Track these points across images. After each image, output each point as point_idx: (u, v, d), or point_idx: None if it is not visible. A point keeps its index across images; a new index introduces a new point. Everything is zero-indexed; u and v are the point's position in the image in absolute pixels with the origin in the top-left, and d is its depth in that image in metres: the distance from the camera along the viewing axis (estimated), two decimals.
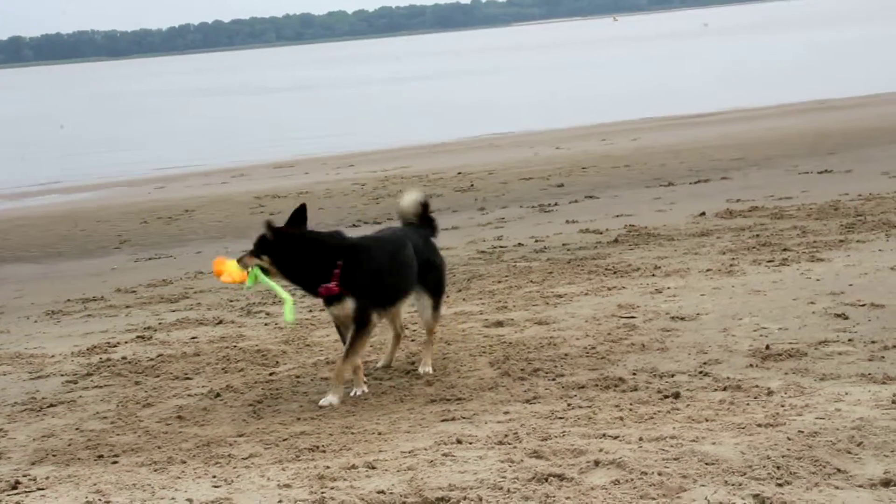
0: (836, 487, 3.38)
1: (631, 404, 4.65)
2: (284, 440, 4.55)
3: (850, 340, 5.36)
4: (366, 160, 18.83)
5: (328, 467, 3.99)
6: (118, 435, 4.88)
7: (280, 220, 5.39)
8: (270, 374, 5.69)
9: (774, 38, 58.50)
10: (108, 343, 6.74)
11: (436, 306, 5.58)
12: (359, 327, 5.20)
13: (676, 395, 4.71)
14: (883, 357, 5.06)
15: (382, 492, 3.65)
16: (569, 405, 4.72)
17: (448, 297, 7.26)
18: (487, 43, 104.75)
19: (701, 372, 5.09)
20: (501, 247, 9.24)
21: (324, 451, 4.31)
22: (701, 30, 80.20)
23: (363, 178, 15.52)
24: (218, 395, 5.37)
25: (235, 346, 6.33)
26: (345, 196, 13.88)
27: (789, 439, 3.82)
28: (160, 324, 7.23)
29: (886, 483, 3.38)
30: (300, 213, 5.28)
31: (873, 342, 5.31)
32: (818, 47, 45.06)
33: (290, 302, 5.17)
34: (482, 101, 33.16)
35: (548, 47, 79.09)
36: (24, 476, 4.31)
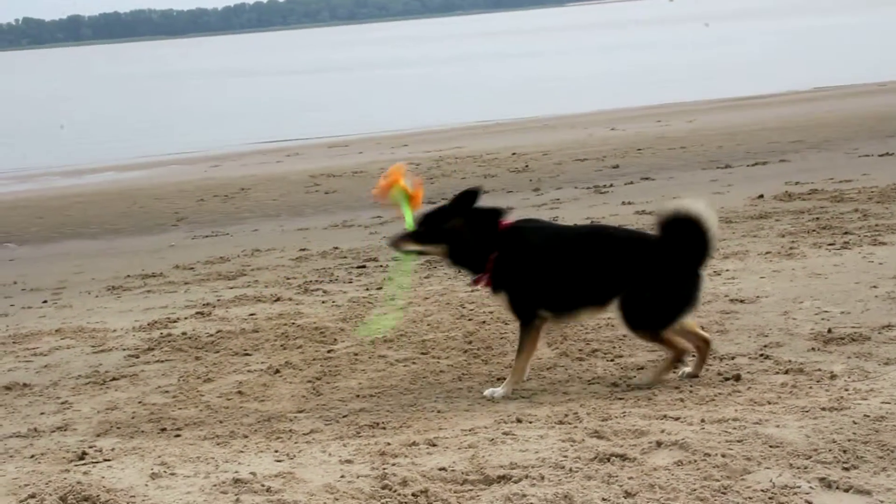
0: None
1: (691, 386, 4.62)
2: (344, 416, 4.58)
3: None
4: (420, 140, 18.84)
5: (389, 444, 4.01)
6: (180, 409, 4.94)
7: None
8: (329, 352, 5.72)
9: (831, 19, 57.63)
10: (169, 318, 6.82)
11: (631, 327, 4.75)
12: (520, 325, 4.79)
13: (737, 378, 4.68)
14: None
15: (444, 469, 3.66)
16: (628, 386, 4.70)
17: None
18: (541, 23, 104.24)
19: (762, 355, 5.04)
20: None
21: (384, 428, 4.33)
22: (757, 11, 79.12)
23: (417, 158, 15.52)
24: (277, 371, 5.41)
25: (294, 324, 6.38)
26: None
27: (855, 423, 3.77)
28: (219, 300, 7.29)
29: None
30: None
31: None
32: (875, 28, 44.33)
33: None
34: (537, 82, 33.03)
35: (602, 27, 78.56)
36: (91, 447, 4.37)
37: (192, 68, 67.57)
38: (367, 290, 7.25)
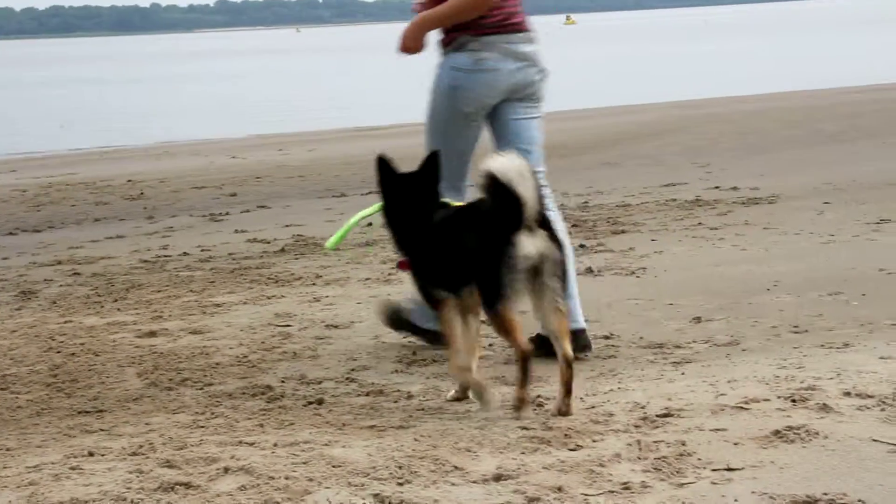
0: (452, 484, 3.55)
1: (275, 412, 4.68)
2: None
3: (489, 345, 5.63)
4: (28, 165, 17.96)
5: None
6: None
7: None
8: None
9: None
10: None
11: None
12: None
13: (320, 402, 4.79)
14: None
15: None
16: (212, 414, 4.70)
17: (102, 307, 7.07)
18: (164, 48, 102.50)
19: (348, 378, 5.20)
20: (166, 256, 9.06)
21: None
22: (378, 46, 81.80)
23: (25, 185, 14.79)
24: None
25: None
26: (3, 203, 13.17)
27: (416, 440, 3.97)
28: None
29: (497, 477, 3.58)
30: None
31: (504, 348, 5.59)
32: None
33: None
34: (158, 108, 32.42)
35: (228, 55, 78.40)
36: None
37: None
38: None
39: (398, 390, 4.92)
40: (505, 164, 4.07)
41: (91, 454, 4.07)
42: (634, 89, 28.70)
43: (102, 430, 4.53)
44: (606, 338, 5.69)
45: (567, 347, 4.21)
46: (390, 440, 3.99)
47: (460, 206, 4.63)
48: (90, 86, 46.44)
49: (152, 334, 6.25)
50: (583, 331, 5.25)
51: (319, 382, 5.16)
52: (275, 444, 4.02)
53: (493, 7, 5.17)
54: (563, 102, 25.84)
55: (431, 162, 4.65)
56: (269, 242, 9.50)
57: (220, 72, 53.40)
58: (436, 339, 5.23)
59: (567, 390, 4.19)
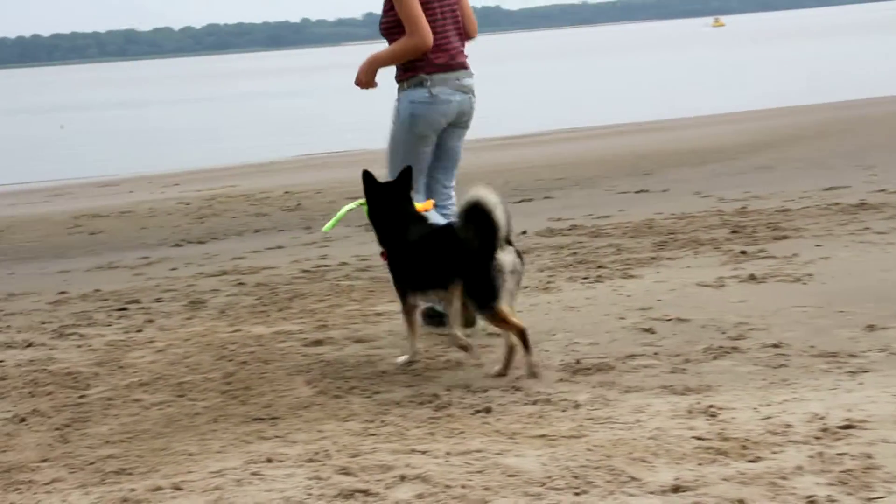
0: (630, 495, 3.51)
1: (445, 421, 4.71)
2: (91, 464, 4.44)
3: (655, 354, 5.57)
4: (192, 179, 18.56)
5: (133, 490, 3.92)
6: None
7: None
8: (80, 397, 5.55)
9: (592, 61, 60.23)
10: None
11: None
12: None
13: (488, 410, 4.80)
14: (684, 369, 5.27)
15: None
16: (382, 422, 4.76)
17: (268, 316, 7.25)
18: (314, 62, 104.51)
19: (513, 387, 5.20)
20: (325, 266, 9.24)
21: (130, 474, 4.23)
22: (521, 54, 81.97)
23: (189, 198, 15.28)
24: (23, 419, 5.20)
25: (44, 369, 6.15)
26: (169, 216, 13.64)
27: (589, 450, 3.95)
28: None
29: (676, 489, 3.53)
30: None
31: (676, 355, 5.52)
32: (628, 72, 46.62)
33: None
34: (316, 120, 33.08)
35: None
36: None
37: None
38: (127, 332, 7.08)
39: (565, 399, 4.90)
40: (484, 194, 5.13)
41: (269, 460, 4.17)
42: (782, 91, 28.02)
43: (277, 436, 4.64)
44: (775, 346, 5.56)
45: (514, 338, 5.31)
46: (563, 450, 3.97)
47: (444, 226, 5.76)
48: (247, 100, 47.72)
49: (318, 343, 6.37)
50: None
51: (485, 391, 5.17)
52: (447, 453, 4.05)
53: (438, 50, 6.24)
54: (710, 106, 25.44)
55: (406, 175, 5.80)
56: None
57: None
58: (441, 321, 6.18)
59: (526, 348, 5.28)
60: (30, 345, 6.88)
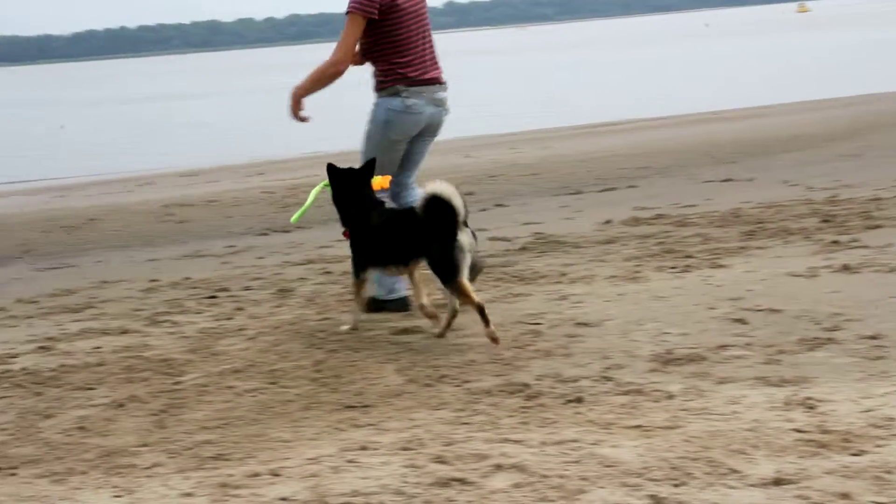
0: (730, 487, 3.47)
1: (537, 410, 4.70)
2: (188, 449, 4.52)
3: (747, 344, 5.50)
4: (275, 168, 18.74)
5: (231, 475, 3.98)
6: (17, 447, 4.79)
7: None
8: (175, 384, 5.63)
9: (675, 48, 59.58)
10: (8, 354, 6.61)
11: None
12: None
13: (579, 400, 4.78)
14: (779, 360, 5.20)
15: (285, 499, 3.65)
16: (474, 411, 4.76)
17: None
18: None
19: (604, 377, 5.17)
20: None
21: (227, 460, 4.29)
22: (605, 40, 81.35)
23: (272, 187, 15.44)
24: (121, 405, 5.31)
25: (140, 356, 6.26)
26: (253, 205, 13.79)
27: (686, 441, 3.91)
28: (63, 334, 7.11)
29: (777, 482, 3.48)
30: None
31: (770, 346, 5.44)
32: (713, 58, 46.01)
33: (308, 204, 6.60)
34: None
35: (458, 56, 79.45)
36: None
37: (32, 96, 65.78)
38: (217, 320, 7.17)
39: (657, 390, 4.85)
40: (445, 187, 5.85)
41: (364, 448, 4.20)
42: (864, 78, 27.42)
43: (370, 424, 4.67)
44: (872, 338, 5.45)
45: (457, 303, 6.07)
46: (659, 440, 3.94)
47: (408, 209, 6.41)
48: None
49: (406, 331, 6.40)
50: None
51: (575, 381, 5.15)
52: (542, 442, 4.04)
53: (410, 66, 6.83)
54: (792, 94, 25.00)
55: (369, 165, 6.49)
56: (509, 241, 9.57)
57: (447, 74, 54.23)
58: (403, 305, 6.91)
59: (484, 321, 5.88)
60: (124, 331, 7.02)
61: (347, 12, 6.80)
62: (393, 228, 6.29)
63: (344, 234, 6.52)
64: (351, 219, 6.48)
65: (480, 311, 5.87)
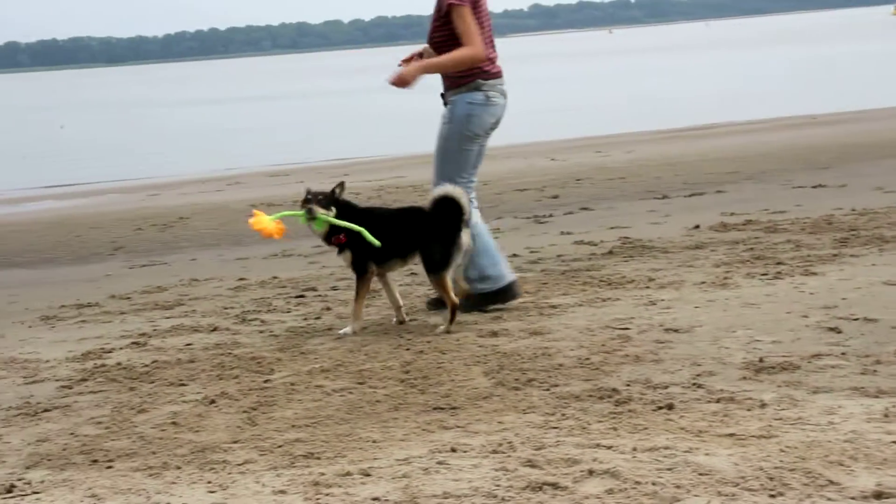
0: (829, 499, 3.40)
1: (626, 416, 4.66)
2: (279, 447, 4.56)
3: (843, 354, 5.39)
4: (360, 169, 18.88)
5: (323, 474, 4.01)
6: (113, 440, 4.89)
7: None
8: (265, 382, 5.70)
9: (769, 51, 58.71)
10: (103, 349, 6.75)
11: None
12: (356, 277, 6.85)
13: (670, 407, 4.73)
14: (875, 371, 5.09)
15: (377, 499, 3.67)
16: (563, 415, 4.74)
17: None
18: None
19: (695, 384, 5.11)
20: None
21: (318, 458, 4.32)
22: (693, 44, 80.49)
23: (358, 187, 15.54)
24: (213, 401, 5.38)
25: (230, 354, 6.35)
26: None
27: (782, 451, 3.84)
28: (155, 330, 7.24)
29: (878, 495, 3.40)
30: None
31: (866, 356, 5.33)
32: (808, 62, 45.23)
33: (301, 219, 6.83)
34: None
35: (544, 58, 79.23)
36: (19, 480, 4.31)
37: (129, 97, 67.10)
38: (306, 319, 7.24)
39: (750, 398, 4.78)
40: (452, 188, 6.48)
41: (454, 450, 4.20)
42: None
43: (458, 426, 4.67)
44: None
45: (453, 298, 6.58)
46: (754, 450, 3.88)
47: (410, 207, 7.02)
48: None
49: (494, 334, 6.39)
50: (514, 282, 7.12)
51: (666, 387, 5.09)
52: (634, 449, 4.00)
53: (488, 60, 6.87)
54: (886, 99, 24.47)
55: (339, 186, 6.80)
56: (595, 245, 9.51)
57: (533, 76, 54.07)
58: (514, 293, 7.11)
59: (452, 319, 6.53)
60: (215, 329, 7.12)
61: (452, 5, 6.70)
62: (400, 223, 6.73)
63: (335, 239, 6.76)
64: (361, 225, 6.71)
65: (452, 310, 6.48)
